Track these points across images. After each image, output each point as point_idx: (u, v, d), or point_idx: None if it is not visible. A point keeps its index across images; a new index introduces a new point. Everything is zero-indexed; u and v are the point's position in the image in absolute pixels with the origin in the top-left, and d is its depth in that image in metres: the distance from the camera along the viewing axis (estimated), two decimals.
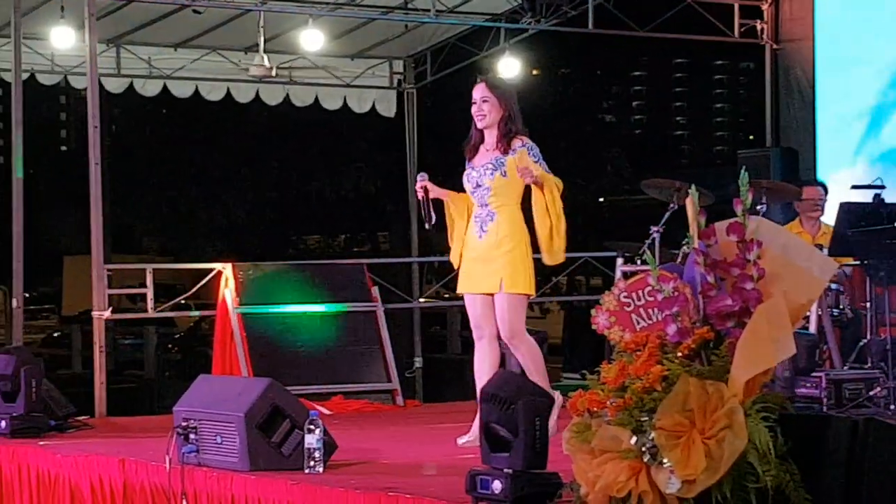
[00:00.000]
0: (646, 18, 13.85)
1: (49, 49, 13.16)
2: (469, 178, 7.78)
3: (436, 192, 7.84)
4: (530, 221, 7.73)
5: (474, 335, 7.82)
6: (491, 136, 7.73)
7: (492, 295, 7.70)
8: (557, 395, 7.52)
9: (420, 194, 7.82)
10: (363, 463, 6.85)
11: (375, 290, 11.50)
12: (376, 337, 11.17)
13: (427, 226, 7.85)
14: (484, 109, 7.70)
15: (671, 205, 9.58)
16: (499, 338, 7.79)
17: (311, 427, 6.33)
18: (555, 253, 7.71)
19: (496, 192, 7.66)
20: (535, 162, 7.61)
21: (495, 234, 7.67)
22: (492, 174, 7.65)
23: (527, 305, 7.79)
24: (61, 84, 14.55)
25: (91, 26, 10.37)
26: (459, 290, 7.88)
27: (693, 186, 5.23)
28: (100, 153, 10.29)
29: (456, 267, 7.93)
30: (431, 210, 7.80)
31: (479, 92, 7.76)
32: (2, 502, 7.86)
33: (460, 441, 7.57)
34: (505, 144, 7.66)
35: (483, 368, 7.70)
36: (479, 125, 7.73)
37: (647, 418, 4.63)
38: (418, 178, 7.89)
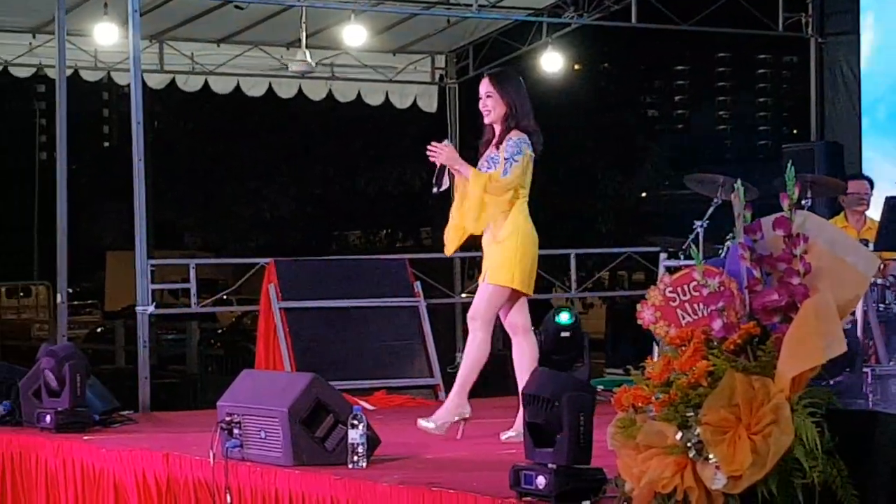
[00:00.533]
0: (689, 12, 13.81)
1: (92, 45, 13.24)
2: None
3: (455, 162, 7.70)
4: (534, 215, 7.75)
5: (469, 326, 7.85)
6: (497, 131, 7.73)
7: None
8: (466, 407, 7.75)
9: (433, 159, 7.71)
10: (406, 458, 6.86)
11: (418, 286, 11.51)
12: (419, 332, 11.18)
13: (434, 190, 7.81)
14: (488, 105, 7.70)
15: (715, 199, 9.54)
16: (502, 330, 7.83)
17: (355, 422, 6.34)
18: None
19: None
20: (505, 160, 7.55)
21: (493, 228, 7.69)
22: (487, 171, 7.64)
23: (504, 299, 7.74)
24: (104, 80, 14.65)
25: (134, 22, 10.42)
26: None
27: (738, 181, 5.20)
28: (142, 149, 10.33)
29: (449, 254, 7.99)
30: (445, 177, 7.73)
31: (483, 87, 7.76)
32: (47, 496, 7.91)
33: (503, 436, 7.59)
34: (502, 139, 7.65)
35: (521, 363, 7.77)
36: (486, 120, 7.75)
37: (692, 414, 4.61)
38: (443, 142, 7.80)
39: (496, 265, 7.68)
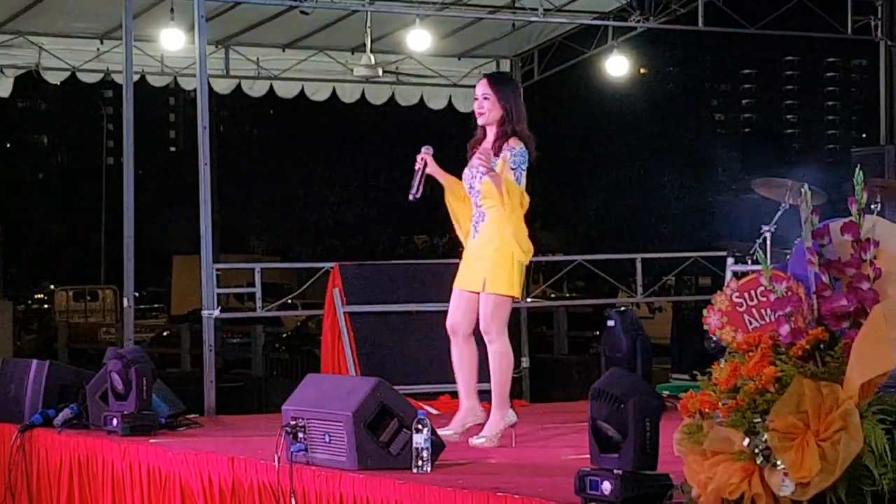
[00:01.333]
0: (756, 15, 13.72)
1: (159, 51, 13.34)
2: (465, 177, 7.72)
3: (435, 170, 7.71)
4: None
5: (449, 332, 7.80)
6: (491, 134, 7.65)
7: (477, 294, 7.65)
8: (512, 414, 7.68)
9: (419, 165, 7.68)
10: (471, 463, 6.85)
11: None
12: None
13: (410, 197, 7.76)
14: (484, 107, 7.64)
15: (782, 204, 9.48)
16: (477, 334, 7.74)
17: (419, 426, 6.35)
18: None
19: (485, 195, 7.56)
20: (513, 169, 7.48)
21: (484, 234, 7.61)
22: (481, 178, 7.55)
23: (510, 307, 7.69)
24: (171, 85, 14.76)
25: (201, 28, 10.48)
26: (454, 285, 7.83)
27: (806, 185, 5.17)
28: (208, 153, 10.39)
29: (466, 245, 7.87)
30: (422, 185, 7.68)
31: (480, 88, 7.71)
32: (114, 499, 7.97)
33: (473, 441, 7.53)
34: (498, 146, 7.56)
35: (461, 367, 7.75)
36: (479, 122, 7.67)
37: (759, 420, 4.58)
38: (423, 149, 7.74)
39: (493, 273, 7.55)
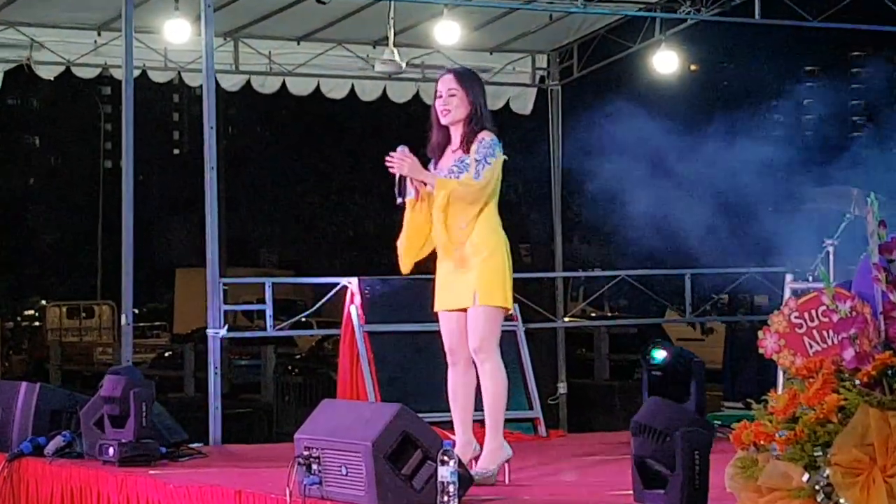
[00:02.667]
0: (819, 6, 13.69)
1: (162, 44, 13.39)
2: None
3: (417, 170, 7.61)
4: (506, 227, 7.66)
5: (448, 360, 7.72)
6: (456, 135, 7.65)
7: (466, 310, 7.59)
8: (507, 447, 7.59)
9: (393, 170, 7.60)
10: (502, 499, 6.85)
11: (515, 308, 11.49)
12: (516, 359, 11.16)
13: (398, 201, 7.69)
14: (450, 104, 7.62)
15: (847, 214, 9.46)
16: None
17: (445, 458, 6.35)
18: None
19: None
20: (478, 160, 7.49)
21: (469, 242, 7.57)
22: (457, 178, 7.55)
23: (502, 319, 7.66)
24: (174, 82, 14.82)
25: (208, 19, 10.52)
26: (435, 307, 7.76)
27: (873, 194, 5.15)
28: (215, 156, 10.42)
29: (405, 271, 7.82)
30: (407, 186, 7.60)
31: (444, 84, 7.68)
32: None
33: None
34: (468, 143, 7.57)
35: (461, 397, 7.67)
36: (443, 121, 7.64)
37: (821, 453, 4.57)
38: (399, 149, 7.65)
39: (486, 284, 7.51)
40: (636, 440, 5.37)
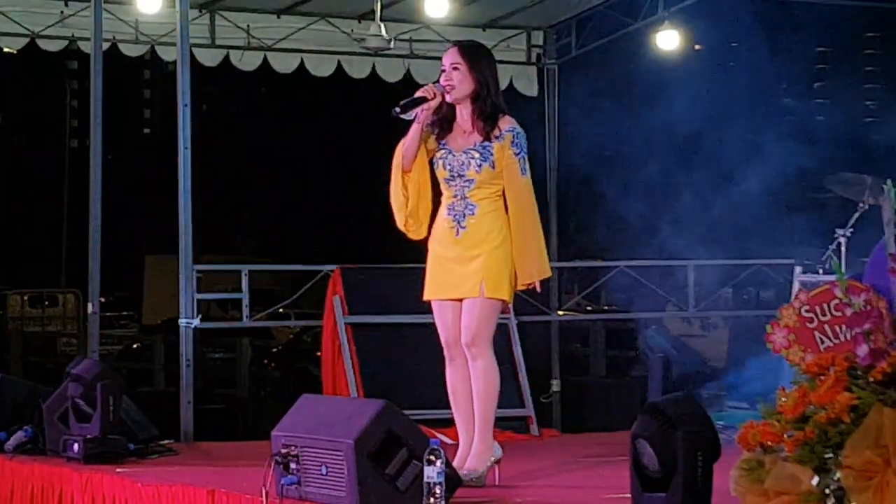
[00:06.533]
0: None
1: (133, 15, 13.35)
2: (446, 162, 7.58)
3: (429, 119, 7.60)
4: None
5: (445, 355, 7.69)
6: (463, 114, 7.59)
7: (464, 300, 7.55)
8: (497, 447, 7.57)
9: (428, 96, 7.55)
10: (491, 501, 6.86)
11: None
12: (507, 355, 11.17)
13: (395, 112, 7.59)
14: (453, 79, 7.55)
15: (861, 204, 9.48)
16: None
17: (432, 458, 6.35)
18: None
19: (480, 185, 7.50)
20: (517, 155, 7.47)
21: (478, 229, 7.52)
22: (479, 166, 7.48)
23: (499, 314, 7.64)
24: (146, 56, 14.76)
25: None
26: (428, 296, 7.68)
27: (889, 182, 5.16)
28: (189, 136, 10.40)
29: (421, 235, 7.71)
30: (418, 112, 7.55)
31: (448, 58, 7.63)
32: None
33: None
34: (489, 126, 7.50)
35: (462, 394, 7.64)
36: (448, 97, 7.55)
37: (831, 455, 4.59)
38: (441, 81, 7.57)
39: (494, 275, 7.48)
40: (642, 418, 5.35)
